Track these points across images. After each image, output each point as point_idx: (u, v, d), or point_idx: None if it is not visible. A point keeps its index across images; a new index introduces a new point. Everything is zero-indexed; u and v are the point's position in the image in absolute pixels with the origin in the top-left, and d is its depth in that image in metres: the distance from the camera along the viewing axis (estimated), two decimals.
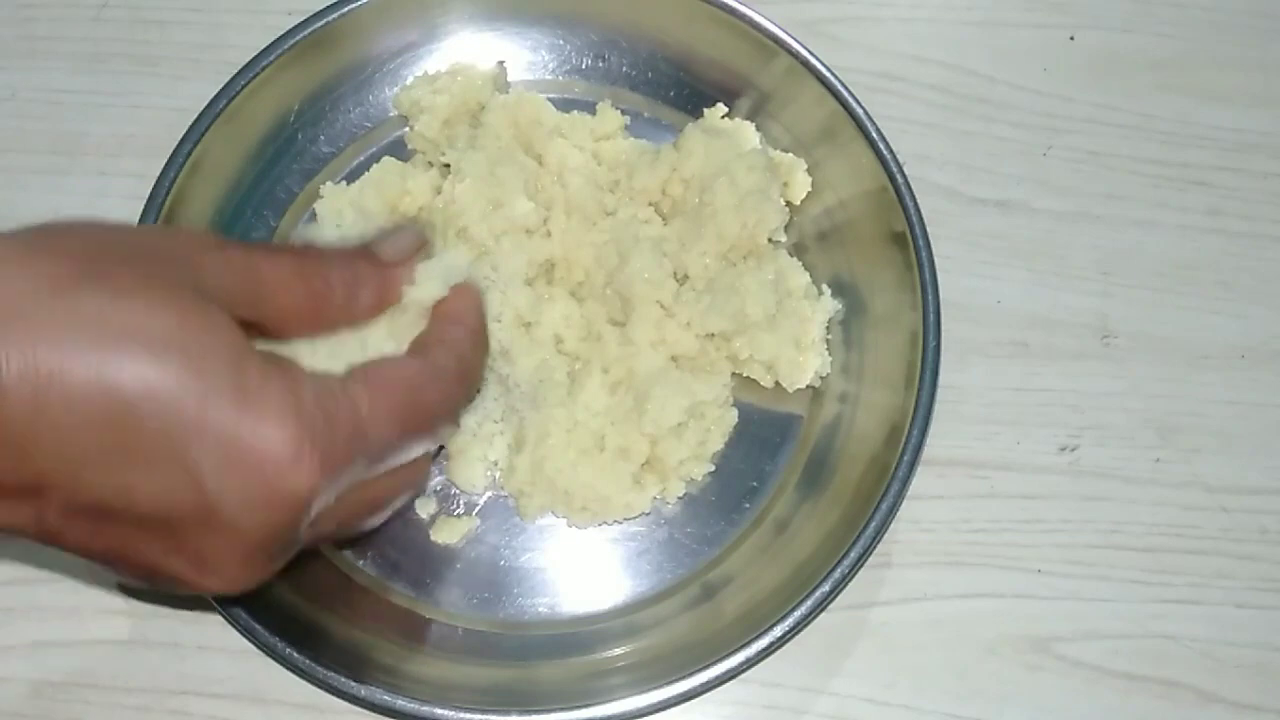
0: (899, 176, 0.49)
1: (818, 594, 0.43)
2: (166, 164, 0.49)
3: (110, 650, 0.46)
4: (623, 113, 0.53)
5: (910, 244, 0.48)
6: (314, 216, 0.51)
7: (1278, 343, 0.53)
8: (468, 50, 0.55)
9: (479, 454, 0.49)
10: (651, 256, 0.49)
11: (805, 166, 0.52)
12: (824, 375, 0.50)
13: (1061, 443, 0.51)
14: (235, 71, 0.50)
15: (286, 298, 0.36)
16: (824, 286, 0.51)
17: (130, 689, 0.46)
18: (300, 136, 0.53)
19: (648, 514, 0.49)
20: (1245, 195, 0.55)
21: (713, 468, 0.49)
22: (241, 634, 0.43)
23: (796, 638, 0.44)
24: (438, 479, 0.49)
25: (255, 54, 0.50)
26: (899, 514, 0.46)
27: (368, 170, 0.52)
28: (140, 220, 0.47)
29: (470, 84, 0.53)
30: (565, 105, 0.54)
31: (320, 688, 0.43)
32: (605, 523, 0.48)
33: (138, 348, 0.29)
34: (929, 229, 0.48)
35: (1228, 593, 0.49)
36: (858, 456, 0.48)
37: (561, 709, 0.42)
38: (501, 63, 0.54)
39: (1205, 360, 0.52)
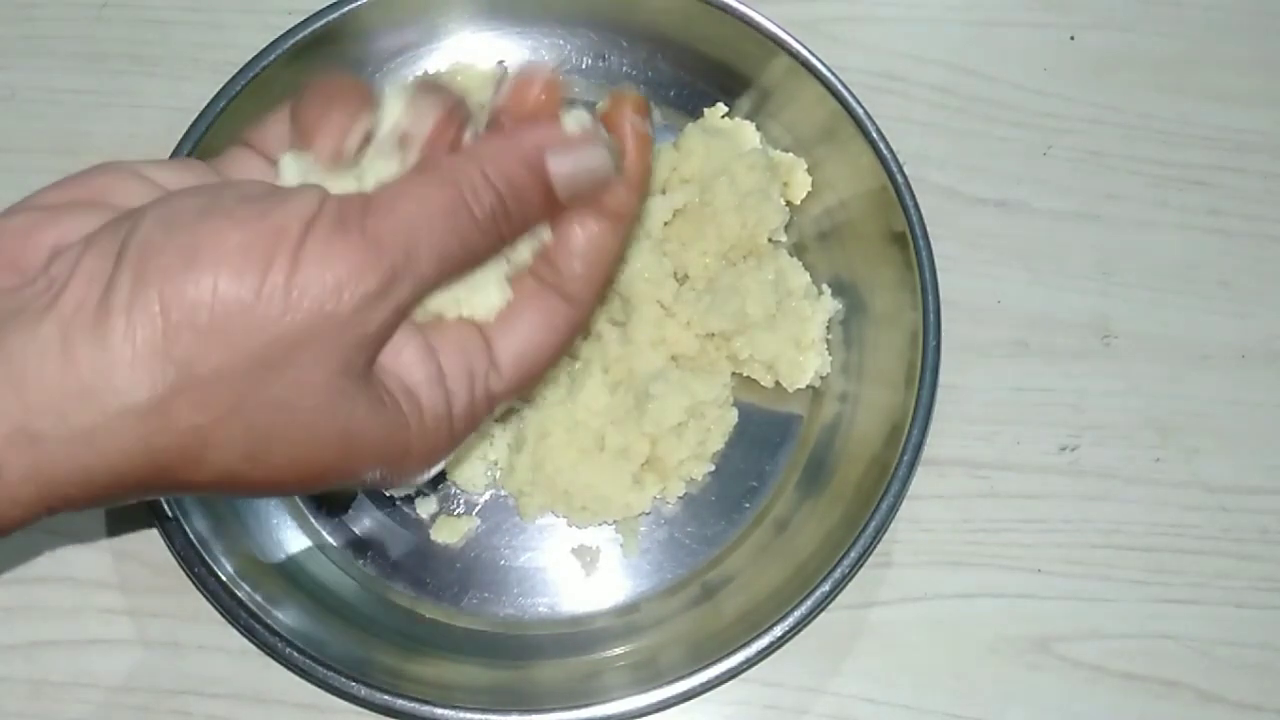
0: (899, 176, 0.49)
1: (818, 594, 0.43)
2: None
3: (110, 650, 0.46)
4: None
5: (910, 244, 0.48)
6: None
7: (1278, 343, 0.53)
8: (468, 50, 0.55)
9: (479, 453, 0.49)
10: (651, 256, 0.49)
11: (805, 166, 0.52)
12: (824, 375, 0.50)
13: (1061, 442, 0.51)
14: (235, 71, 0.50)
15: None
16: (824, 286, 0.51)
17: (130, 689, 0.46)
18: None
19: (648, 514, 0.49)
20: (1245, 195, 0.55)
21: (713, 467, 0.49)
22: (241, 634, 0.43)
23: (796, 638, 0.44)
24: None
25: (255, 54, 0.50)
26: (899, 514, 0.46)
27: None
28: None
29: (470, 84, 0.52)
30: (565, 105, 0.54)
31: (320, 688, 0.43)
32: (605, 522, 0.48)
33: (218, 269, 0.30)
34: (929, 229, 0.48)
35: (1228, 593, 0.49)
36: (858, 456, 0.48)
37: (561, 709, 0.42)
38: (501, 63, 0.54)
39: (1205, 360, 0.52)
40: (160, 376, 0.29)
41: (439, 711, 0.42)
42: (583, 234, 0.36)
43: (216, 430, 0.30)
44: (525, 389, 0.37)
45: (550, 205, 0.35)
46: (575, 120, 0.35)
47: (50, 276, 0.30)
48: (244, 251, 0.30)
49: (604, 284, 0.37)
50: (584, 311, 0.37)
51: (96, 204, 0.32)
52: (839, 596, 0.45)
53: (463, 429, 0.35)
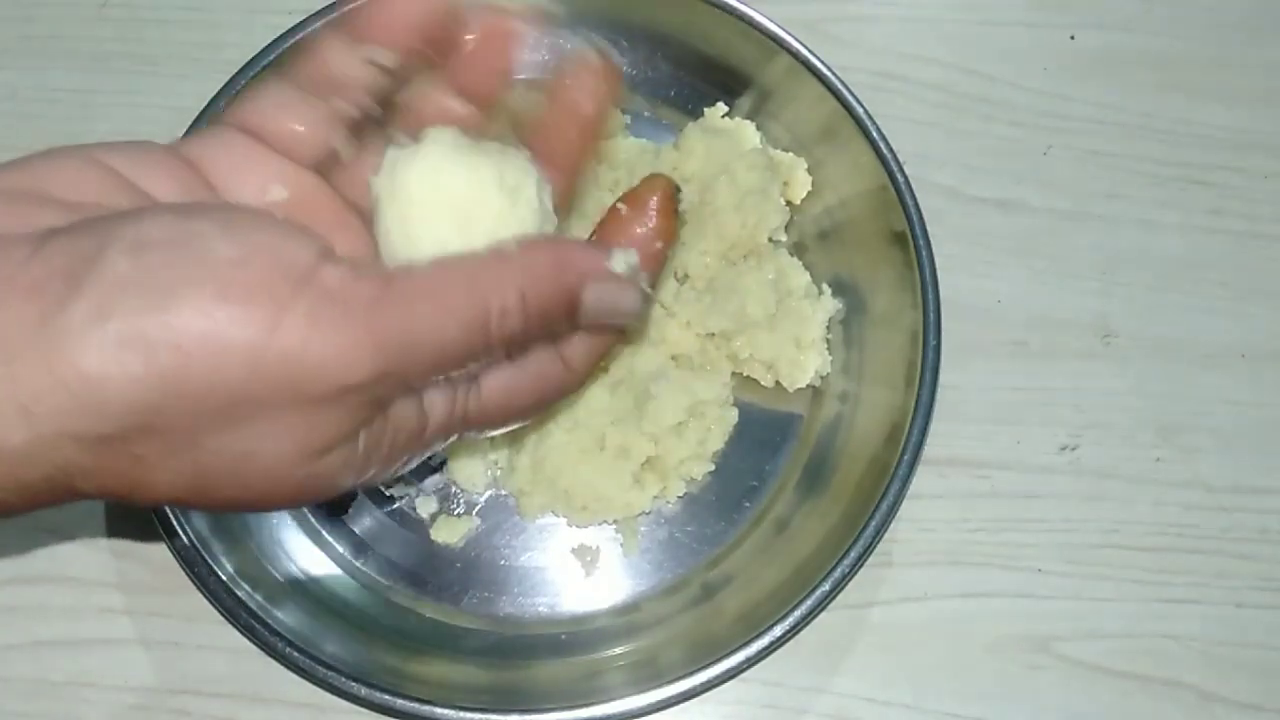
0: (899, 176, 0.49)
1: (818, 593, 0.43)
2: None
3: (110, 650, 0.46)
4: (623, 113, 0.53)
5: (910, 243, 0.48)
6: None
7: (1278, 343, 0.53)
8: None
9: (479, 453, 0.49)
10: None
11: (805, 166, 0.53)
12: (824, 374, 0.50)
13: (1062, 442, 0.51)
14: (235, 71, 0.50)
15: None
16: (824, 286, 0.51)
17: (130, 689, 0.46)
18: None
19: (648, 513, 0.49)
20: (1245, 195, 0.55)
21: (713, 467, 0.49)
22: (241, 634, 0.43)
23: (797, 637, 0.44)
24: (438, 478, 0.49)
25: (255, 54, 0.50)
26: (899, 513, 0.46)
27: None
28: None
29: None
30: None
31: (320, 687, 0.43)
32: (605, 522, 0.48)
33: (199, 300, 0.28)
34: (929, 228, 0.48)
35: (1228, 593, 0.49)
36: (858, 456, 0.48)
37: (561, 709, 0.42)
38: None
39: (1205, 360, 0.52)
40: (108, 413, 0.28)
41: (439, 711, 0.42)
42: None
43: (163, 462, 0.29)
44: (500, 426, 0.36)
45: (568, 327, 0.34)
46: (623, 261, 0.34)
47: None
48: (219, 301, 0.28)
49: (600, 360, 0.38)
50: (577, 380, 0.37)
51: (39, 196, 0.30)
52: (839, 596, 0.45)
53: (431, 444, 0.34)
